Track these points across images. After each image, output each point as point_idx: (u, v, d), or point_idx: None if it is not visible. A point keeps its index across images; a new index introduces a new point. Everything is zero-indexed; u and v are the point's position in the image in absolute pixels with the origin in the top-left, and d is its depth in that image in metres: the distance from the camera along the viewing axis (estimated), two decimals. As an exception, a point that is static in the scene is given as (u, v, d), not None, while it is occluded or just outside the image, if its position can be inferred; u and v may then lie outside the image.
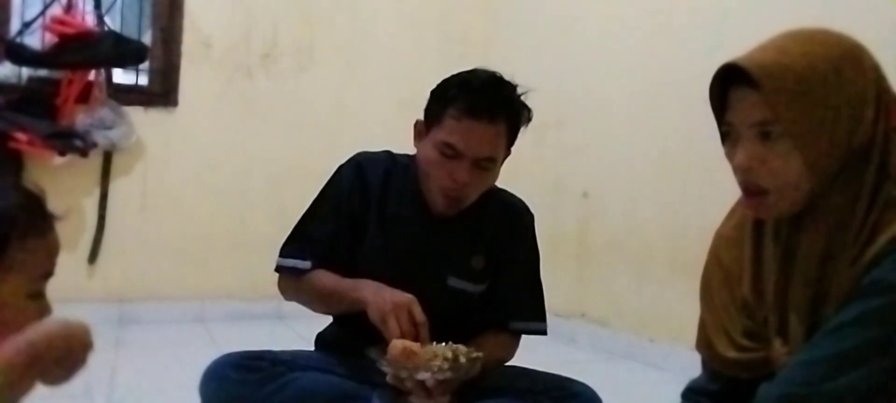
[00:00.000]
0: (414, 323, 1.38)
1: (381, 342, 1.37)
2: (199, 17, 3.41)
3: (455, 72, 1.54)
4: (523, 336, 1.66)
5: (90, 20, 3.16)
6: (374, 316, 1.40)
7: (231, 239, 3.46)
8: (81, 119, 3.08)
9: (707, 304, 1.17)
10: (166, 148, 3.37)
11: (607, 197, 3.23)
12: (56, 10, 3.10)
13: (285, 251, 1.62)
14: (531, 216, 1.68)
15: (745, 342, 1.09)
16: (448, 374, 1.31)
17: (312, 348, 1.68)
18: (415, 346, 1.34)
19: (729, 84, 1.01)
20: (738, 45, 1.01)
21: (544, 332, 1.66)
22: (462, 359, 1.34)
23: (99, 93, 3.14)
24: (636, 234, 3.04)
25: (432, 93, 1.54)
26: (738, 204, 1.16)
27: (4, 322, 0.84)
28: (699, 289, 1.19)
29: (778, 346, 1.05)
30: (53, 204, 0.93)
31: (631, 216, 3.08)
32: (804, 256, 1.01)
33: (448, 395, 1.36)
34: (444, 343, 1.39)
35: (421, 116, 1.56)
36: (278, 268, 1.63)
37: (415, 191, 1.58)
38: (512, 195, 1.68)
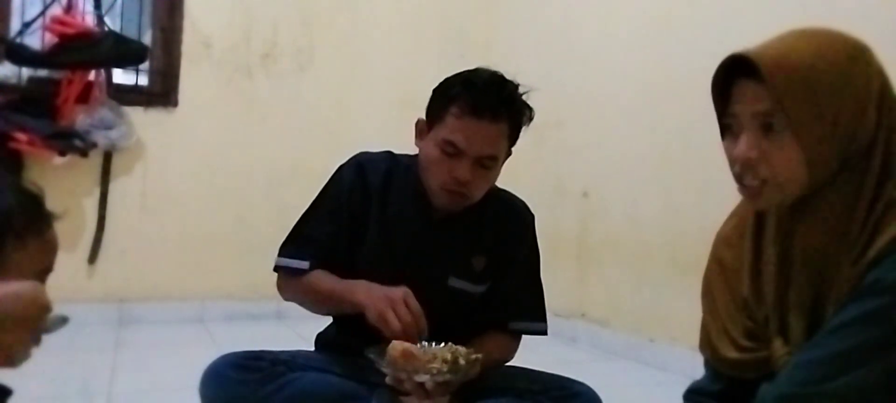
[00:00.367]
0: (412, 313, 1.37)
1: (381, 342, 1.37)
2: (199, 17, 3.41)
3: (455, 72, 1.54)
4: (523, 336, 1.66)
5: (90, 20, 3.16)
6: (372, 316, 1.40)
7: (231, 239, 3.46)
8: (81, 119, 3.08)
9: (708, 305, 1.17)
10: (166, 148, 3.37)
11: (607, 197, 3.23)
12: (56, 10, 3.10)
13: (284, 250, 1.62)
14: (532, 216, 1.68)
15: (746, 342, 1.10)
16: (447, 376, 1.31)
17: (312, 348, 1.68)
18: (414, 348, 1.34)
19: (732, 77, 1.02)
20: (738, 45, 1.01)
21: (544, 332, 1.66)
22: (461, 361, 1.34)
23: (99, 93, 3.14)
24: (636, 234, 3.04)
25: (434, 91, 1.54)
26: (739, 206, 1.16)
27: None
28: (700, 290, 1.19)
29: (778, 346, 1.05)
30: (53, 203, 0.93)
31: (631, 216, 3.08)
32: (804, 256, 1.01)
33: (447, 396, 1.36)
34: (443, 345, 1.39)
35: (421, 115, 1.56)
36: (277, 268, 1.63)
37: (416, 191, 1.58)
38: (512, 195, 1.68)
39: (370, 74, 3.72)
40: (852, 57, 0.98)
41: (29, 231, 0.87)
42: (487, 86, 1.47)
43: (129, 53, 3.18)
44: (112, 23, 3.36)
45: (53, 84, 3.07)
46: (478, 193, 1.53)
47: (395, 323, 1.35)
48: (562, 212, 3.40)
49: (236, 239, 3.46)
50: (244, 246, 3.42)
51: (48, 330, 0.85)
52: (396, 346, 1.32)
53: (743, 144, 1.00)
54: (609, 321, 3.18)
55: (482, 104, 1.44)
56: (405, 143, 1.65)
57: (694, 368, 1.24)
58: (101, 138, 3.12)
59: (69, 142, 3.05)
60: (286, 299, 1.66)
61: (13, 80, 3.08)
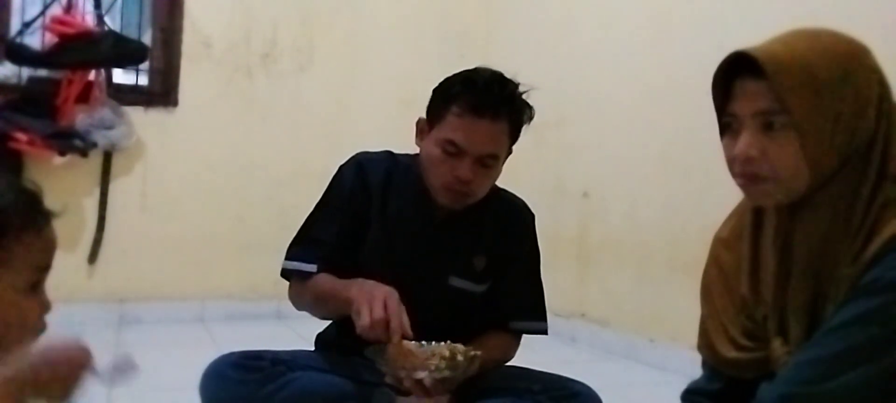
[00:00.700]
0: (387, 311, 1.34)
1: (380, 341, 1.37)
2: (199, 17, 3.41)
3: (455, 71, 1.54)
4: (523, 335, 1.66)
5: (90, 20, 3.16)
6: (352, 311, 1.38)
7: (231, 239, 3.46)
8: (81, 119, 3.08)
9: (707, 306, 1.17)
10: (166, 148, 3.37)
11: (607, 197, 3.23)
12: (56, 10, 3.10)
13: (290, 254, 1.62)
14: (532, 216, 1.68)
15: (745, 342, 1.10)
16: (446, 373, 1.31)
17: (312, 348, 1.68)
18: (412, 345, 1.34)
19: (733, 75, 1.02)
20: (738, 45, 1.01)
21: (545, 332, 1.66)
22: (460, 358, 1.34)
23: (99, 93, 3.13)
24: (636, 234, 3.04)
25: (435, 90, 1.54)
26: (737, 208, 1.16)
27: (1, 317, 0.85)
28: (699, 291, 1.19)
29: (778, 346, 1.05)
30: (53, 203, 0.93)
31: (631, 216, 3.08)
32: (803, 255, 1.01)
33: (447, 394, 1.36)
34: (442, 343, 1.39)
35: (421, 115, 1.56)
36: (284, 273, 1.63)
37: (416, 190, 1.58)
38: (513, 195, 1.69)
39: (370, 74, 3.72)
40: (853, 56, 0.99)
41: (27, 228, 0.87)
42: (488, 86, 1.47)
43: (129, 53, 3.18)
44: (112, 23, 3.36)
45: (53, 84, 3.07)
46: (479, 192, 1.53)
47: (365, 319, 1.33)
48: (562, 212, 3.40)
49: (236, 239, 3.46)
50: (244, 246, 3.43)
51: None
52: (395, 344, 1.32)
53: (743, 142, 1.00)
54: (609, 321, 3.18)
55: (483, 103, 1.45)
56: (405, 143, 1.65)
57: (694, 368, 1.24)
58: (101, 138, 3.12)
59: (69, 142, 3.05)
60: (299, 308, 1.65)
61: (13, 80, 3.08)
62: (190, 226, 3.40)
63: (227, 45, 3.46)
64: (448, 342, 1.39)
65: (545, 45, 3.60)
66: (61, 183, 3.07)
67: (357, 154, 1.66)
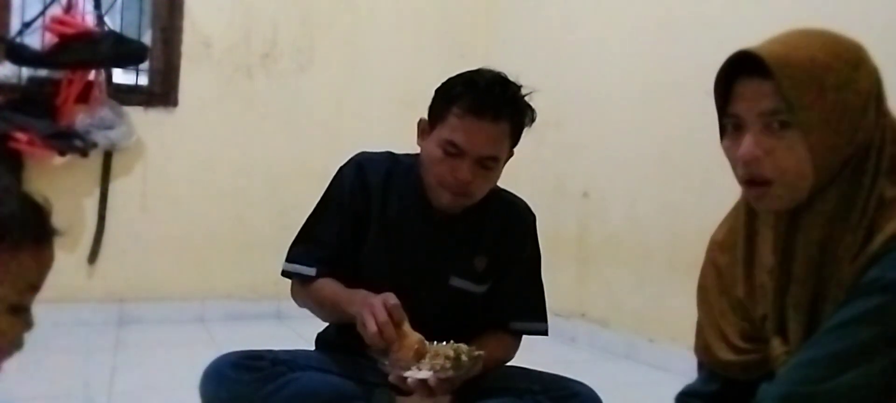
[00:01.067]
0: (389, 312, 1.34)
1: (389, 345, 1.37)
2: (199, 17, 3.41)
3: (455, 72, 1.54)
4: (524, 336, 1.66)
5: (90, 20, 3.16)
6: (357, 325, 1.39)
7: (231, 239, 3.46)
8: (81, 119, 3.07)
9: (704, 308, 1.17)
10: (166, 148, 3.36)
11: (607, 197, 3.23)
12: (56, 10, 3.10)
13: (291, 256, 1.62)
14: (533, 216, 1.68)
15: (742, 344, 1.10)
16: (450, 372, 1.32)
17: (312, 348, 1.68)
18: (417, 345, 1.34)
19: (735, 76, 1.01)
20: (738, 46, 1.01)
21: (545, 332, 1.66)
22: (463, 358, 1.34)
23: (99, 93, 3.13)
24: (636, 234, 3.04)
25: (437, 91, 1.54)
26: (732, 211, 1.16)
27: None
28: (696, 294, 1.19)
29: (777, 345, 1.05)
30: (53, 203, 0.91)
31: (631, 216, 3.08)
32: (802, 255, 1.01)
33: (449, 394, 1.37)
34: (445, 342, 1.39)
35: (422, 115, 1.56)
36: (285, 274, 1.63)
37: (416, 191, 1.58)
38: (513, 195, 1.69)
39: (370, 74, 3.72)
40: (854, 55, 0.99)
41: (26, 242, 0.84)
42: (490, 87, 1.47)
43: (129, 53, 3.17)
44: (112, 23, 3.35)
45: (53, 84, 3.07)
46: (479, 193, 1.53)
47: (371, 326, 1.34)
48: (562, 212, 3.40)
49: (236, 239, 3.46)
50: (244, 246, 3.43)
51: None
52: (398, 344, 1.32)
53: (748, 143, 0.99)
54: (609, 321, 3.18)
55: (484, 104, 1.45)
56: (405, 143, 1.65)
57: (694, 368, 1.24)
58: (101, 138, 3.12)
59: (69, 141, 3.04)
60: (300, 306, 1.66)
61: (13, 80, 3.08)
62: (190, 226, 3.40)
63: (227, 44, 3.46)
64: (451, 341, 1.39)
65: (545, 45, 3.60)
66: (61, 183, 3.07)
67: (357, 154, 1.66)
